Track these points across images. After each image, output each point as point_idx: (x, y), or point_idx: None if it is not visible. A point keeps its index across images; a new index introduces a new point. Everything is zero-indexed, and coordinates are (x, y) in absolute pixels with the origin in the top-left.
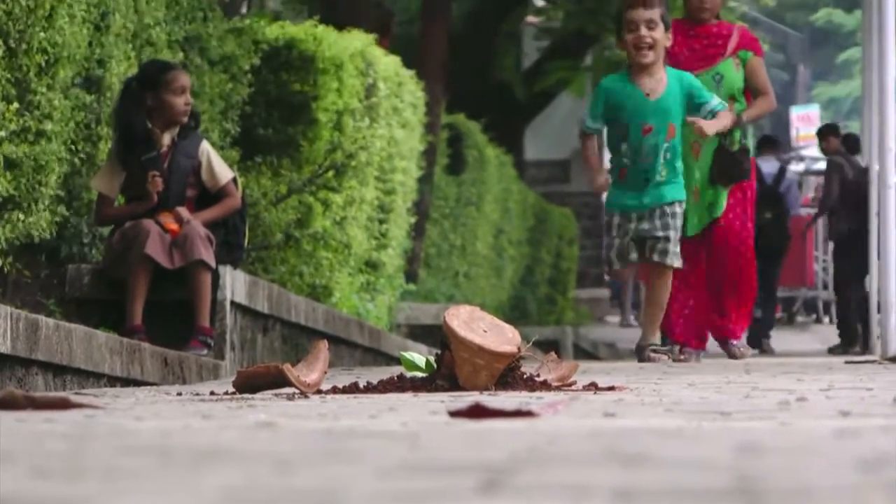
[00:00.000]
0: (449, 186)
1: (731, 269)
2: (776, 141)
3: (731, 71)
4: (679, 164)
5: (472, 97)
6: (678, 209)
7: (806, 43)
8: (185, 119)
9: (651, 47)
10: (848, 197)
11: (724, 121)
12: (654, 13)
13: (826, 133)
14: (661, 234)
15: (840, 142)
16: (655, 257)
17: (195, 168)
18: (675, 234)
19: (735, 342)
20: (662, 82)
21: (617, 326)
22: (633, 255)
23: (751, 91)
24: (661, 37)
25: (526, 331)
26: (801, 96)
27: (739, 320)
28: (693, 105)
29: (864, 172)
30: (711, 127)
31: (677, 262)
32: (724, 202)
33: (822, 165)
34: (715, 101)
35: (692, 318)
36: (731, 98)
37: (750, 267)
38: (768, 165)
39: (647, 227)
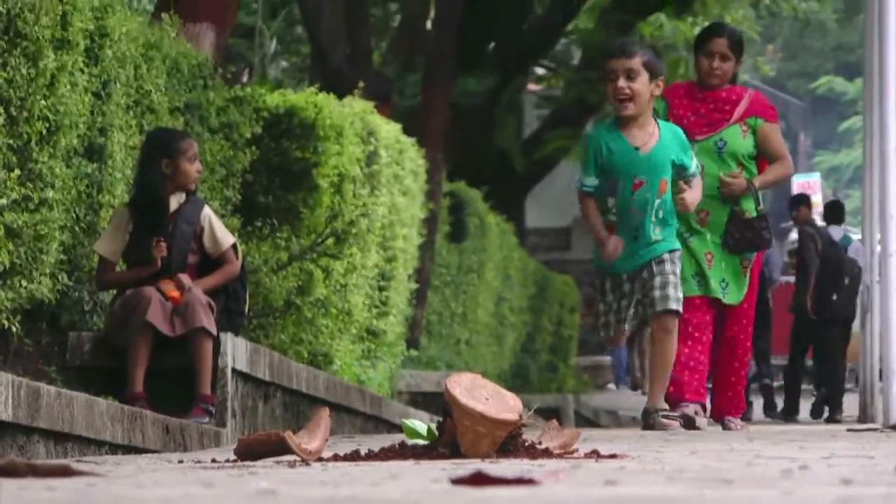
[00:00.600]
0: (450, 254)
1: (737, 353)
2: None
3: (737, 137)
4: (673, 221)
5: (474, 165)
6: (675, 256)
7: (807, 111)
8: (192, 187)
9: (630, 99)
10: (820, 267)
11: (695, 192)
12: (635, 62)
13: (797, 203)
14: (657, 281)
15: (809, 212)
16: (656, 307)
17: (197, 234)
18: (674, 279)
19: (732, 419)
20: (654, 135)
21: (617, 393)
22: (630, 322)
23: (766, 158)
24: (644, 87)
25: (527, 398)
26: (802, 164)
27: (736, 398)
28: (674, 165)
29: (832, 244)
30: (691, 203)
31: (677, 306)
32: (742, 290)
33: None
34: (693, 165)
35: (698, 371)
36: (739, 164)
37: (747, 350)
38: None
39: (641, 284)
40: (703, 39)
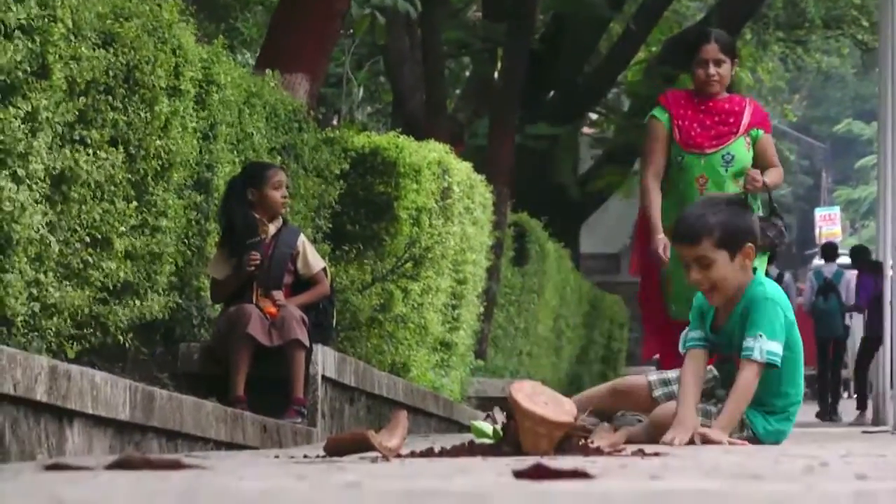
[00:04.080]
0: (514, 276)
1: None
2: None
3: (742, 150)
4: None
5: (535, 198)
6: None
7: (828, 151)
8: (284, 210)
9: (713, 288)
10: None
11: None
12: (703, 247)
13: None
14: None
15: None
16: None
17: (293, 257)
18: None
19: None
20: (733, 302)
21: None
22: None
23: (760, 167)
24: (726, 269)
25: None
26: (824, 199)
27: None
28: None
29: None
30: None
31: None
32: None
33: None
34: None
35: None
36: (737, 176)
37: None
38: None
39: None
40: (692, 50)
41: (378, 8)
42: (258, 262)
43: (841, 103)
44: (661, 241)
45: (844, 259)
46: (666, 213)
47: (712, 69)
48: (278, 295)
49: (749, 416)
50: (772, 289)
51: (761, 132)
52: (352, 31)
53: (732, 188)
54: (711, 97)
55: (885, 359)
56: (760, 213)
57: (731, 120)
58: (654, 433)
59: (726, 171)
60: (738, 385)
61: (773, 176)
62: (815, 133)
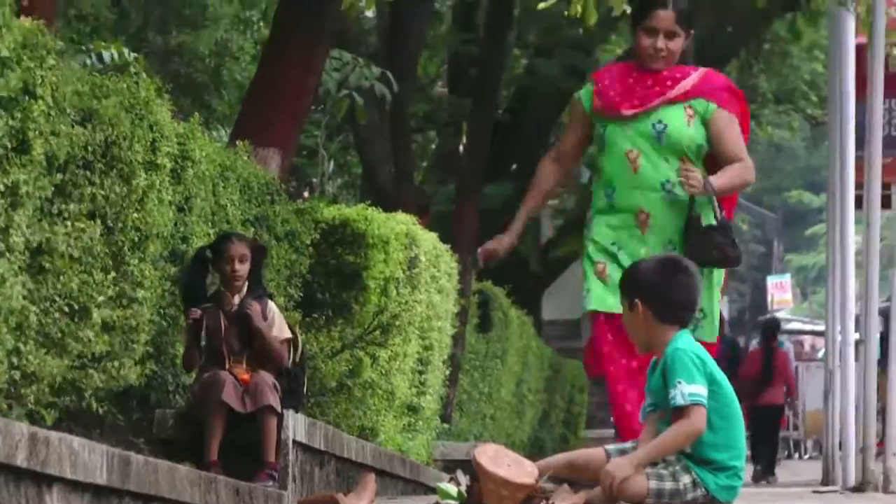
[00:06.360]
0: (478, 343)
1: None
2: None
3: (680, 122)
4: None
5: (498, 267)
6: None
7: (779, 221)
8: (237, 284)
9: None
10: None
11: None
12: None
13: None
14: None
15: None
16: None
17: (266, 323)
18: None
19: None
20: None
21: None
22: None
23: (718, 159)
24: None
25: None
26: (775, 266)
27: None
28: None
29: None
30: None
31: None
32: (716, 318)
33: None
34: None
35: None
36: (684, 160)
37: None
38: None
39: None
40: (644, 12)
41: (356, 89)
42: (196, 317)
43: (791, 175)
44: (494, 244)
45: (795, 325)
46: (596, 202)
47: (661, 42)
48: (253, 311)
49: (699, 475)
50: (683, 342)
51: (713, 106)
52: (322, 106)
53: (668, 170)
54: (653, 71)
55: (832, 420)
56: (713, 223)
57: (668, 83)
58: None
59: (660, 143)
60: (666, 430)
61: (729, 177)
62: (766, 203)
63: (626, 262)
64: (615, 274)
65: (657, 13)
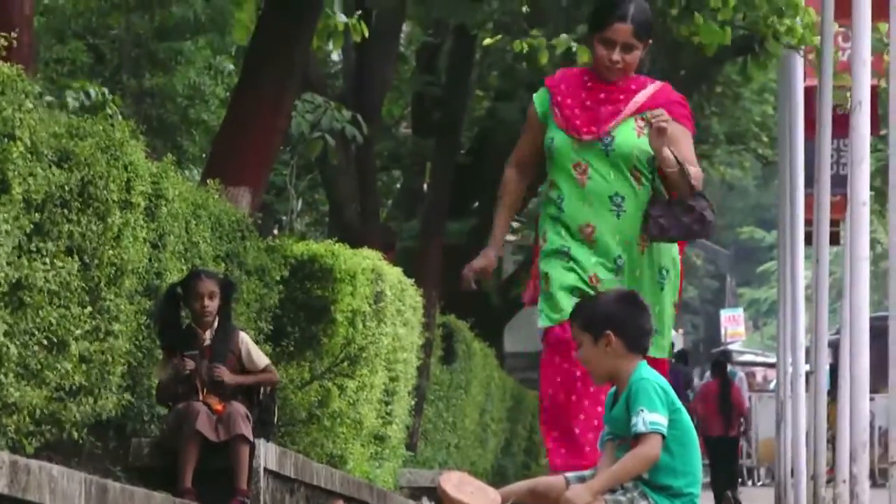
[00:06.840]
0: (443, 374)
1: None
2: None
3: (630, 136)
4: None
5: (462, 302)
6: None
7: (732, 257)
8: (207, 320)
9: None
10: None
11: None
12: (574, 328)
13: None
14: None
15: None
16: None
17: (235, 354)
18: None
19: None
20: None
21: None
22: None
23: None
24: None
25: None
26: (728, 300)
27: None
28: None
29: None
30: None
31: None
32: (668, 333)
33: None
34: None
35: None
36: (636, 172)
37: None
38: None
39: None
40: (601, 22)
41: (328, 131)
42: (193, 368)
43: (743, 212)
44: (482, 261)
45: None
46: (547, 206)
47: (617, 55)
48: (224, 373)
49: (656, 502)
50: (647, 372)
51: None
52: (290, 147)
53: (617, 184)
54: (607, 83)
55: (784, 448)
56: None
57: (622, 97)
58: None
59: (608, 156)
60: (625, 455)
61: (692, 162)
62: (719, 240)
63: (578, 256)
64: (561, 276)
65: (615, 26)
